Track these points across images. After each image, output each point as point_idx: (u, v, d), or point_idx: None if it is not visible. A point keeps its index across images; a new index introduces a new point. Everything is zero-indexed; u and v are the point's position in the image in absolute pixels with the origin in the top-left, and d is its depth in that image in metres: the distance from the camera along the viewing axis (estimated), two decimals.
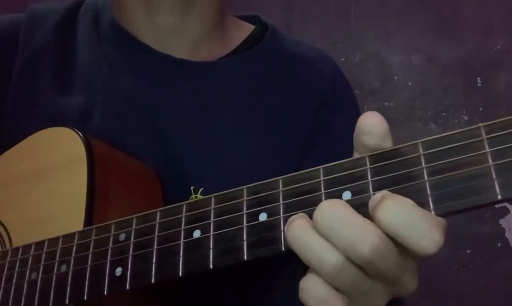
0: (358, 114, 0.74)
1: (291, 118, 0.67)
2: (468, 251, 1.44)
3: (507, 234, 1.43)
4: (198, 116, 0.65)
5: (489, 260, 1.43)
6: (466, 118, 1.53)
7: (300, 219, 0.36)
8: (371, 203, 0.35)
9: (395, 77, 1.59)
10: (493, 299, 1.42)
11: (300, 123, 0.67)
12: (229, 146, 0.64)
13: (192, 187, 0.60)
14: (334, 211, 0.35)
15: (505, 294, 1.41)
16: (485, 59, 1.53)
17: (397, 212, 0.33)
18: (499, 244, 1.43)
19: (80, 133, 0.56)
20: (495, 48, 1.53)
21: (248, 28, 0.74)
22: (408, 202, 0.34)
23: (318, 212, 0.35)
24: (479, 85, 1.53)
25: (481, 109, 1.52)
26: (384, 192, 0.35)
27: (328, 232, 0.35)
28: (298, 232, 0.36)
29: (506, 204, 1.44)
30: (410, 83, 1.58)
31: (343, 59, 1.64)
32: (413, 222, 0.33)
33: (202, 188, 0.60)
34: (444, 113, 1.54)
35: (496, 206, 1.44)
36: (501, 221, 1.44)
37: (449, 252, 1.44)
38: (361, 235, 0.34)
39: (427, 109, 1.56)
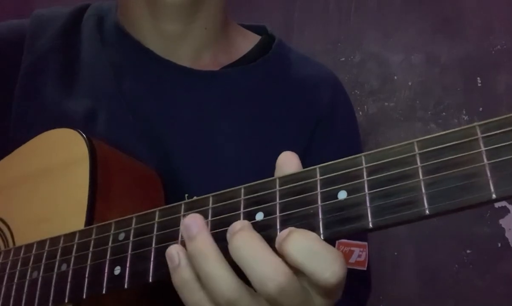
0: (356, 135, 0.74)
1: (290, 133, 0.67)
2: (468, 251, 1.44)
3: (507, 234, 1.43)
4: (198, 125, 0.65)
5: (489, 260, 1.43)
6: (466, 118, 1.52)
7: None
8: (278, 239, 0.37)
9: (395, 77, 1.59)
10: (493, 299, 1.41)
11: (298, 139, 0.67)
12: (227, 156, 0.64)
13: (186, 195, 0.60)
14: (250, 244, 0.37)
15: (505, 294, 1.41)
16: (485, 59, 1.53)
17: (303, 244, 0.36)
18: (499, 244, 1.43)
19: (83, 134, 0.56)
20: (495, 48, 1.53)
21: (253, 38, 0.74)
22: (313, 235, 0.36)
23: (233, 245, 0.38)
24: (479, 85, 1.53)
25: (481, 109, 1.51)
26: (291, 228, 0.37)
27: (242, 265, 0.37)
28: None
29: (506, 204, 1.44)
30: (410, 83, 1.58)
31: (343, 59, 1.64)
32: (317, 253, 0.36)
33: (195, 197, 0.60)
34: (444, 113, 1.54)
35: (496, 206, 1.44)
36: (501, 221, 1.44)
37: (449, 252, 1.44)
38: (270, 273, 0.36)
39: (427, 109, 1.55)
